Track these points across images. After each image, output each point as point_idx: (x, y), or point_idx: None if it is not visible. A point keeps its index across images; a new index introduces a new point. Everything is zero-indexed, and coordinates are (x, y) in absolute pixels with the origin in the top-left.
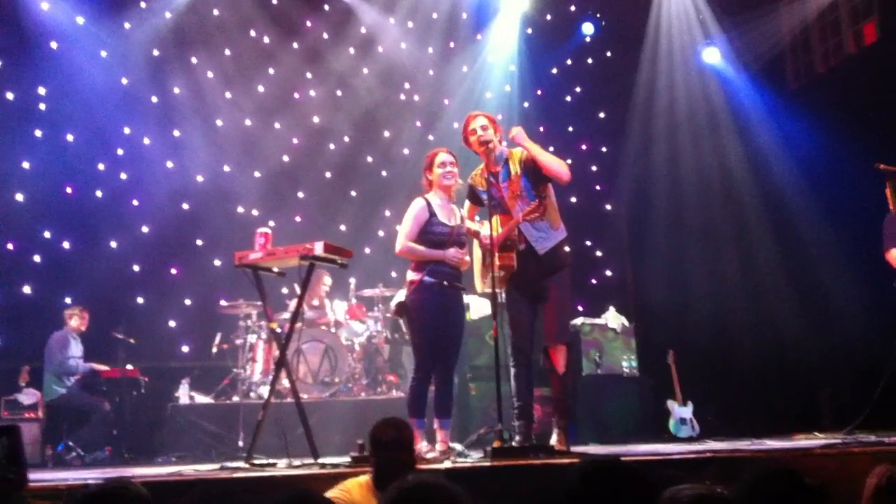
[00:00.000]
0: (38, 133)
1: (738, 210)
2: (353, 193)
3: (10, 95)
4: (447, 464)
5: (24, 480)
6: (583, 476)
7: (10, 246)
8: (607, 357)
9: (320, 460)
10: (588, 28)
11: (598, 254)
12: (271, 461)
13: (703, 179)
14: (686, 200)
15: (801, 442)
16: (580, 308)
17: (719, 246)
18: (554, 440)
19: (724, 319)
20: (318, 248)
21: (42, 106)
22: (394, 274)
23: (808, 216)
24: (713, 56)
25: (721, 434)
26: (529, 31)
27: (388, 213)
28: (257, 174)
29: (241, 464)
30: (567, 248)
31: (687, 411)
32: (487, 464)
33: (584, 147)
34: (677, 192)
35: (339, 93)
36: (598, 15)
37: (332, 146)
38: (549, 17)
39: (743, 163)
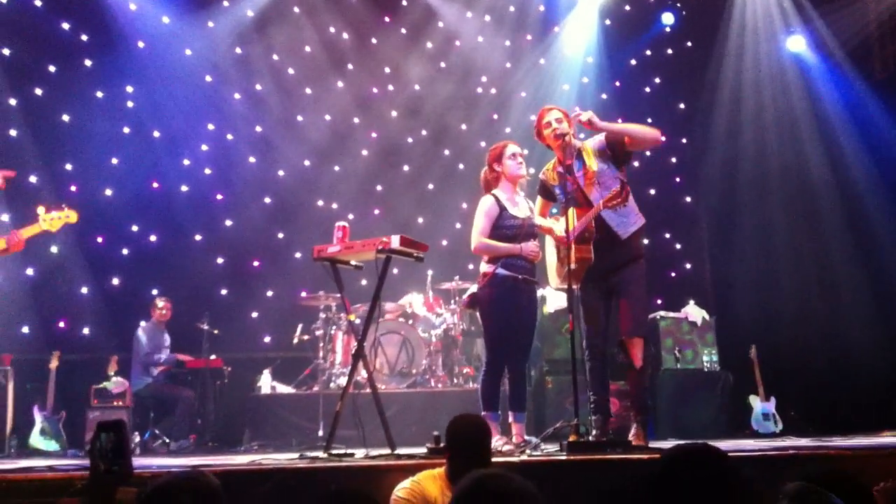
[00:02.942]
0: (125, 130)
1: (818, 205)
2: (431, 186)
3: (99, 94)
4: (522, 457)
5: (130, 473)
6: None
7: (99, 239)
8: (687, 351)
9: (397, 451)
10: (668, 18)
11: (678, 247)
12: (349, 451)
13: (787, 172)
14: (768, 193)
15: (888, 439)
16: (659, 301)
17: (803, 240)
18: (632, 435)
19: (806, 314)
20: (395, 242)
21: (130, 104)
22: (470, 266)
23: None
24: (798, 44)
25: (804, 430)
26: (608, 22)
27: (464, 205)
28: (337, 168)
29: (319, 453)
30: (644, 239)
31: (769, 407)
32: (563, 458)
33: (663, 139)
34: (761, 184)
35: (416, 87)
36: (679, 4)
37: (409, 140)
38: (627, 7)
39: (825, 156)
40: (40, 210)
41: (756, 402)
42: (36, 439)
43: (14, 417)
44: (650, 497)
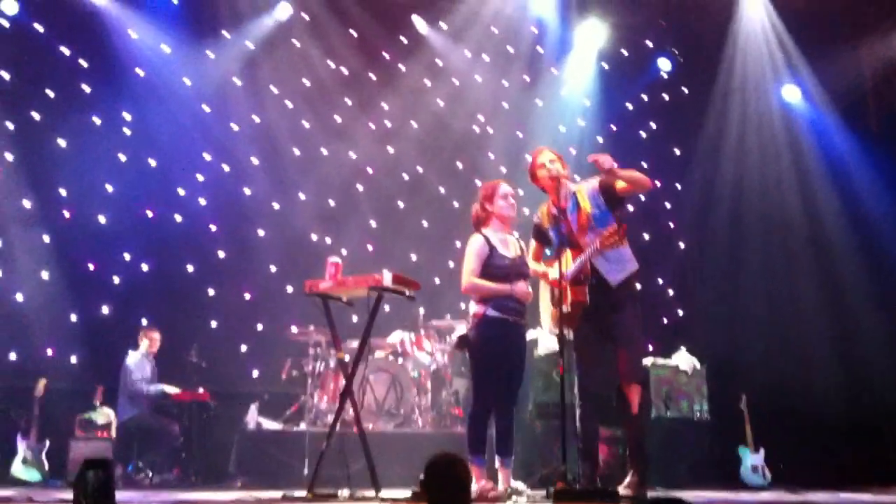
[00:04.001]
0: (122, 157)
1: (817, 253)
2: (425, 223)
3: (96, 120)
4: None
5: None
6: None
7: (90, 266)
8: (681, 400)
9: (381, 494)
10: (664, 64)
11: (671, 292)
12: (333, 492)
13: (783, 220)
14: (764, 240)
15: (881, 497)
16: (650, 348)
17: (798, 289)
18: (628, 483)
19: (798, 365)
20: (387, 279)
21: (127, 131)
22: (462, 305)
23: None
24: (792, 94)
25: (793, 483)
26: (605, 65)
27: (458, 243)
28: (331, 202)
29: (303, 493)
30: (637, 283)
31: (759, 458)
32: None
33: (657, 183)
34: (754, 231)
35: (413, 124)
36: (675, 51)
37: (405, 176)
38: (625, 52)
39: (826, 205)
40: None
41: (746, 454)
42: (18, 468)
43: None
44: None
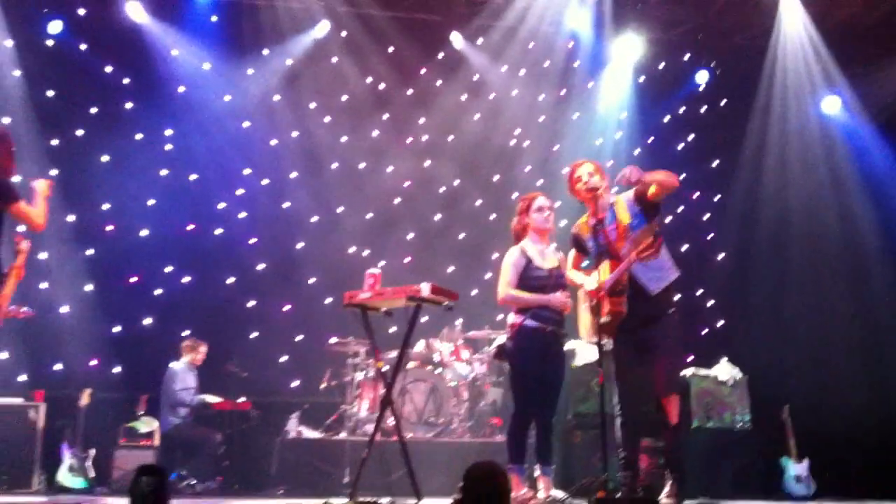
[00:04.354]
0: (163, 172)
1: (859, 264)
2: (462, 236)
3: (139, 136)
4: None
5: None
6: None
7: (133, 279)
8: (719, 410)
9: (422, 502)
10: (702, 76)
11: (710, 303)
12: (374, 500)
13: (823, 232)
14: (803, 252)
15: None
16: (690, 359)
17: (841, 299)
18: (666, 492)
19: (843, 373)
20: (426, 290)
21: (168, 147)
22: (500, 317)
23: None
24: (833, 106)
25: (838, 493)
26: (642, 79)
27: (495, 255)
28: (369, 215)
29: (344, 500)
30: (676, 293)
31: (802, 469)
32: None
33: (696, 196)
34: (794, 243)
35: (450, 138)
36: (713, 64)
37: (442, 189)
38: (662, 65)
39: (869, 216)
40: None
41: (789, 464)
42: (64, 476)
43: (43, 454)
44: None
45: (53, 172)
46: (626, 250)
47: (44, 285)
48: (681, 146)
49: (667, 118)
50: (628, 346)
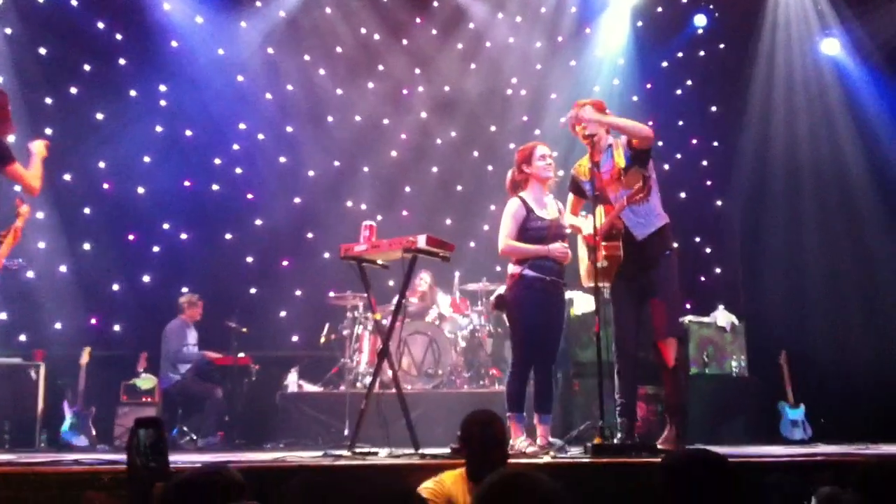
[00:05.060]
0: (158, 129)
1: (855, 207)
2: (459, 188)
3: (133, 92)
4: (546, 459)
5: (167, 469)
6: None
7: (130, 237)
8: (716, 357)
9: (420, 451)
10: (700, 20)
11: (708, 251)
12: (373, 450)
13: (820, 175)
14: (802, 196)
15: None
16: (688, 306)
17: (836, 245)
18: (665, 436)
19: (839, 319)
20: (422, 241)
21: (162, 102)
22: (498, 268)
23: None
24: (832, 47)
25: (834, 438)
26: (640, 23)
27: (493, 207)
28: (366, 169)
29: (344, 452)
30: (670, 237)
31: (799, 414)
32: (587, 460)
33: (694, 142)
34: (793, 187)
35: (446, 88)
36: (711, 6)
37: (438, 141)
38: (660, 9)
39: (861, 158)
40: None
41: (786, 409)
42: (66, 434)
43: (45, 412)
44: (653, 501)
45: (48, 131)
46: (619, 194)
47: (41, 244)
48: (679, 92)
49: (665, 63)
50: (625, 291)
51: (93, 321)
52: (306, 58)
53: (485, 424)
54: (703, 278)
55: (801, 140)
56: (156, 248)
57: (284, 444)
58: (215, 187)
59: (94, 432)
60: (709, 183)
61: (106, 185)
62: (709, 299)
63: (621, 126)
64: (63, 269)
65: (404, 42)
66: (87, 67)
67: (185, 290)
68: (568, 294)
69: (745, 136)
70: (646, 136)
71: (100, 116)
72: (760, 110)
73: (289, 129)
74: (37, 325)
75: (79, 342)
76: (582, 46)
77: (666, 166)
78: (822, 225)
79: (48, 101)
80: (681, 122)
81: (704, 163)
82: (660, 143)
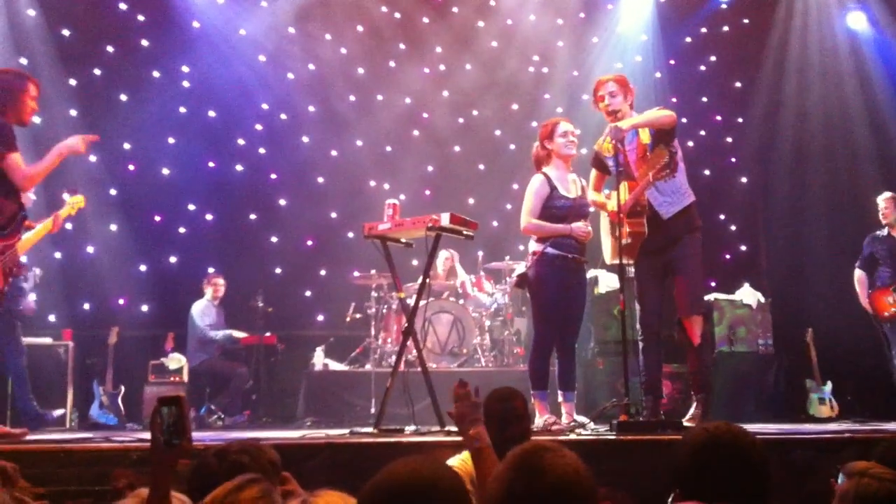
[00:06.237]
0: (182, 110)
1: (891, 185)
2: (482, 167)
3: (155, 74)
4: (571, 436)
5: (191, 447)
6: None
7: (157, 218)
8: (742, 334)
9: (446, 429)
10: None
11: (732, 228)
12: (399, 428)
13: (849, 151)
14: (829, 173)
15: None
16: (713, 284)
17: (865, 220)
18: (692, 414)
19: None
20: (445, 220)
21: (185, 83)
22: (521, 247)
23: None
24: (858, 21)
25: (861, 415)
26: None
27: (515, 186)
28: (388, 149)
29: (369, 429)
30: (696, 215)
31: (825, 391)
32: (612, 437)
33: (718, 118)
34: (820, 164)
35: (468, 66)
36: None
37: (461, 120)
38: None
39: (887, 133)
40: (66, 196)
41: (812, 387)
42: (95, 413)
43: (74, 392)
44: (675, 478)
45: (73, 113)
46: (644, 171)
47: (69, 226)
48: (703, 68)
49: (688, 39)
50: (650, 268)
51: (120, 301)
52: (328, 37)
53: (504, 400)
54: (727, 256)
55: (828, 115)
56: (181, 229)
57: (311, 423)
58: (239, 168)
59: (123, 411)
60: (733, 160)
61: (131, 167)
62: (734, 277)
63: (648, 123)
64: (90, 250)
65: (425, 20)
66: (109, 49)
67: (211, 270)
68: (591, 273)
69: (769, 111)
70: (670, 122)
71: (123, 98)
72: (785, 85)
73: (311, 108)
74: (65, 305)
75: (107, 322)
76: (604, 23)
77: (690, 143)
78: (854, 200)
79: (72, 82)
80: (704, 99)
81: (728, 139)
82: (683, 120)
